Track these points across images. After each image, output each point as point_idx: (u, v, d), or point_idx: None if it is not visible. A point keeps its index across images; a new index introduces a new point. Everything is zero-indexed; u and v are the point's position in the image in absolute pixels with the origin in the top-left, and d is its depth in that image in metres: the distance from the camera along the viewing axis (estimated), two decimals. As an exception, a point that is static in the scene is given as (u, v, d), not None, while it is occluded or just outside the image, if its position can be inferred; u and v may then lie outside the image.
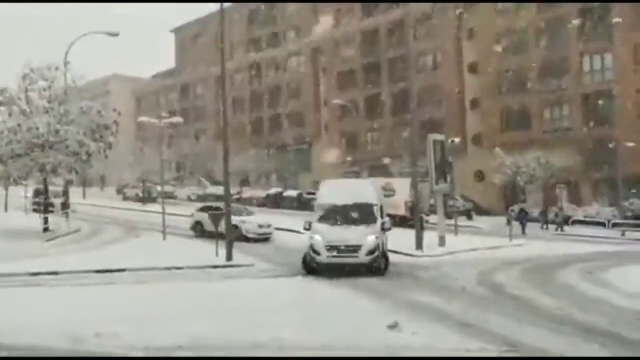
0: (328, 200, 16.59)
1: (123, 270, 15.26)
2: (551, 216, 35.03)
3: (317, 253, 15.13)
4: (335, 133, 57.05)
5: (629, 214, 33.85)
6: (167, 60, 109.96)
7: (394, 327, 9.00)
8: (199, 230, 24.42)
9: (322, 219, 16.06)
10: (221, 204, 23.93)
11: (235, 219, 20.86)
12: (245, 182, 57.93)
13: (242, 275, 15.44)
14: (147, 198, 44.60)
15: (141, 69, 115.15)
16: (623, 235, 31.19)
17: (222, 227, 18.38)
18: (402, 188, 30.78)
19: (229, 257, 17.43)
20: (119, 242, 22.22)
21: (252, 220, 24.05)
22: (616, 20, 37.07)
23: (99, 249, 19.91)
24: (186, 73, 73.22)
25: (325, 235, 15.24)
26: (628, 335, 8.76)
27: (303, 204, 42.95)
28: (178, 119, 28.75)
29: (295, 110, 60.71)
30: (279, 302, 11.26)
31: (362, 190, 17.22)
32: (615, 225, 33.44)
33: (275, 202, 45.86)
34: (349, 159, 51.74)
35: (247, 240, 22.60)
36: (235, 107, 62.66)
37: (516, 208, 35.22)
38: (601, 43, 40.20)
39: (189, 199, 49.49)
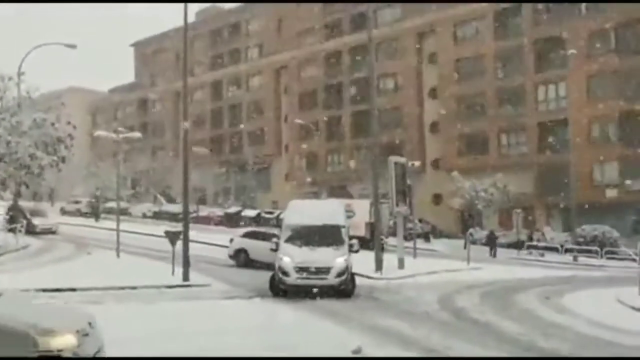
0: (296, 220, 16.32)
1: (73, 290, 14.55)
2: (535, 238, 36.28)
3: (286, 274, 14.87)
4: (295, 153, 56.93)
5: (581, 239, 34.69)
6: (125, 74, 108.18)
7: (357, 352, 8.77)
8: (242, 259, 21.83)
9: (290, 240, 15.80)
10: (266, 230, 23.53)
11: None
12: (202, 200, 57.03)
13: (199, 296, 14.93)
14: (91, 214, 43.15)
15: (98, 82, 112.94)
16: (575, 260, 31.90)
17: (266, 257, 17.88)
18: (362, 209, 30.73)
19: (186, 276, 16.87)
20: (70, 260, 21.30)
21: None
22: (571, 51, 38.36)
23: (48, 266, 19.01)
24: (145, 88, 72.13)
25: (294, 256, 15.02)
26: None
27: (261, 223, 42.43)
28: (136, 134, 28.02)
29: (255, 129, 60.43)
30: (236, 325, 10.87)
31: (330, 210, 17.08)
32: (567, 250, 34.18)
33: (233, 221, 45.18)
34: (309, 179, 51.63)
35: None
36: (195, 124, 61.92)
37: (473, 231, 35.64)
38: (556, 72, 41.52)
39: (144, 216, 48.36)
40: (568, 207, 38.12)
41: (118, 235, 22.38)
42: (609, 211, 37.29)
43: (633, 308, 14.14)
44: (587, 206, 37.23)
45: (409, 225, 31.25)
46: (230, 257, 22.12)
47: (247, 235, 22.92)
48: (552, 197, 40.73)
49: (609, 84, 39.46)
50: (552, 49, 42.28)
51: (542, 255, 33.45)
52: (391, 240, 28.23)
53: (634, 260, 24.69)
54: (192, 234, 20.17)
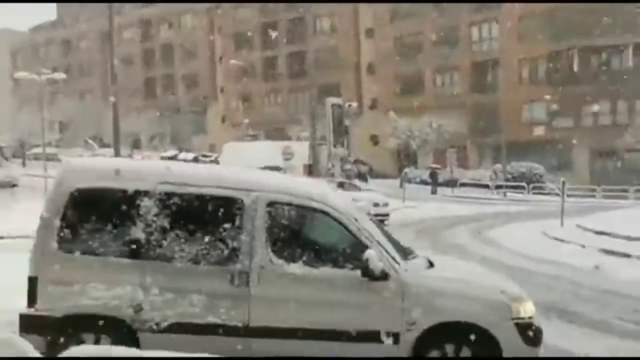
0: (233, 162, 16.21)
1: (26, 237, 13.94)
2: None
3: None
4: (231, 95, 55.81)
5: (509, 176, 36.17)
6: (46, 12, 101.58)
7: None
8: None
9: None
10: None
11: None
12: (136, 144, 55.45)
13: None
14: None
15: (17, 21, 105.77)
16: (505, 196, 33.34)
17: None
18: (301, 151, 30.77)
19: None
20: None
21: (364, 198, 18.16)
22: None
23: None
24: (68, 26, 68.12)
25: None
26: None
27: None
28: (60, 75, 26.62)
29: (189, 71, 58.58)
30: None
31: (266, 152, 17.08)
32: (497, 187, 35.58)
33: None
34: (246, 121, 50.97)
35: None
36: (125, 65, 59.25)
37: (408, 171, 36.46)
38: (489, 13, 41.95)
39: (75, 162, 46.63)
40: (499, 145, 39.43)
41: (46, 181, 21.50)
42: (537, 148, 38.87)
43: (555, 239, 14.95)
44: (516, 144, 38.64)
45: (347, 166, 31.57)
46: None
47: None
48: (484, 135, 41.96)
49: (539, 24, 40.30)
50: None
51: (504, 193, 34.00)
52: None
53: (558, 194, 25.99)
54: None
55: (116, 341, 4.56)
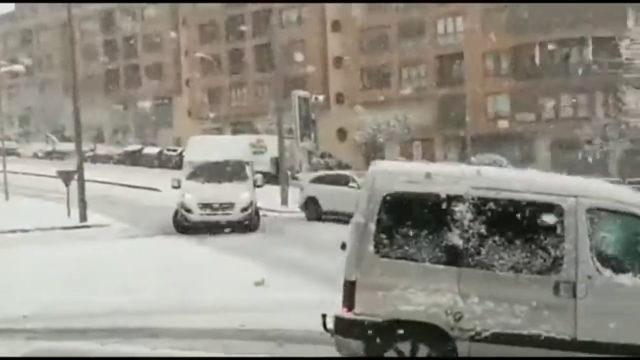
0: (198, 156, 16.05)
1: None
2: None
3: (189, 211, 14.74)
4: (197, 88, 55.13)
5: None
6: (4, 4, 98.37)
7: (260, 284, 8.86)
8: (311, 209, 17.82)
9: (192, 176, 15.59)
10: (346, 173, 19.40)
11: None
12: (99, 138, 54.42)
13: (98, 236, 14.40)
14: None
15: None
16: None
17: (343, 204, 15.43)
18: (274, 145, 30.61)
19: (83, 217, 16.18)
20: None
21: None
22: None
23: None
24: (27, 18, 66.23)
25: (197, 192, 14.81)
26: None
27: (164, 161, 41.29)
28: (18, 67, 25.90)
29: (153, 63, 57.60)
30: (138, 264, 10.60)
31: (233, 146, 17.02)
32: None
33: (134, 159, 43.64)
34: (212, 114, 50.41)
35: None
36: (86, 57, 57.95)
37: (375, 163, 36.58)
38: (454, 6, 42.31)
39: (36, 156, 45.57)
40: (464, 138, 39.93)
41: (5, 176, 20.92)
42: (501, 141, 39.47)
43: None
44: (481, 137, 39.19)
45: (314, 159, 31.54)
46: (301, 208, 18.27)
47: (317, 179, 19.14)
48: (449, 128, 42.42)
49: (502, 18, 40.86)
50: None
51: None
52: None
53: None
54: (91, 173, 19.24)
55: (433, 348, 4.52)
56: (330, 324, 5.04)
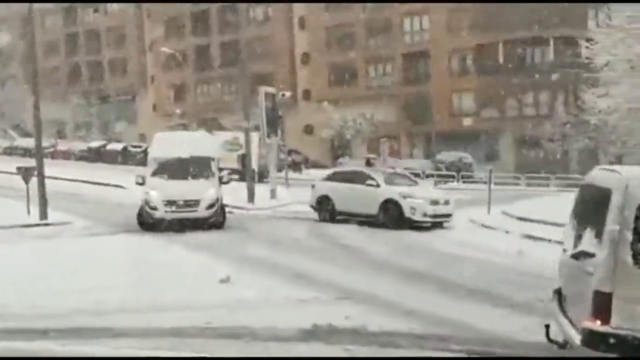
0: (163, 153, 15.80)
1: None
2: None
3: (154, 208, 14.51)
4: (162, 83, 54.36)
5: (440, 165, 37.22)
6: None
7: (225, 281, 8.78)
8: (325, 211, 16.55)
9: (157, 173, 15.38)
10: (363, 170, 18.00)
11: (391, 191, 15.31)
12: (61, 134, 53.18)
13: (60, 234, 14.07)
14: None
15: None
16: (435, 185, 34.20)
17: (359, 206, 15.28)
18: (253, 143, 30.41)
19: (43, 214, 15.78)
20: None
21: (419, 194, 15.61)
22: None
23: None
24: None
25: (161, 189, 14.59)
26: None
27: (128, 157, 40.61)
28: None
29: (117, 57, 56.52)
30: (102, 262, 10.39)
31: (198, 142, 16.83)
32: (428, 175, 36.46)
33: (97, 156, 42.83)
34: (178, 110, 49.78)
35: (411, 226, 14.97)
36: (47, 51, 56.52)
37: (343, 160, 36.75)
38: (419, 5, 42.67)
39: (-6, 153, 44.37)
40: (430, 135, 40.39)
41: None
42: (466, 138, 40.05)
43: (482, 225, 15.46)
44: (446, 134, 39.70)
45: (282, 155, 31.42)
46: (313, 208, 17.02)
47: (332, 177, 17.77)
48: (415, 126, 42.83)
49: (467, 17, 41.40)
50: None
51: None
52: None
53: (486, 182, 26.86)
54: (52, 170, 18.78)
55: None
56: (554, 335, 4.88)
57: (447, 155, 37.49)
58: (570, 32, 33.17)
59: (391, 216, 15.06)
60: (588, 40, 20.63)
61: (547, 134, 37.19)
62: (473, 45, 41.13)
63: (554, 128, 36.92)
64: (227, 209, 16.30)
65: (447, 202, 15.74)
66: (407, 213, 14.92)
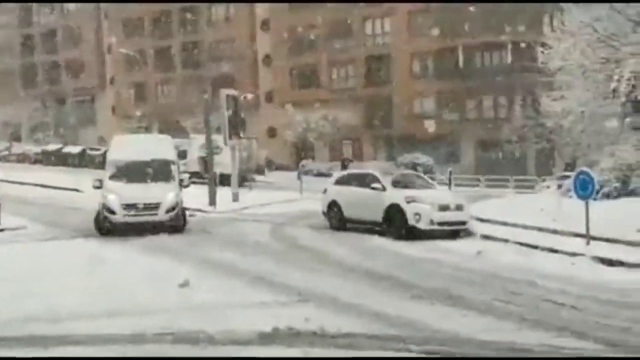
0: (121, 156, 15.53)
1: None
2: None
3: (112, 212, 14.21)
4: (121, 85, 53.44)
5: (402, 167, 37.55)
6: None
7: (184, 285, 8.67)
8: (334, 216, 15.34)
9: (116, 176, 15.09)
10: (370, 171, 15.90)
11: (396, 195, 13.68)
12: (16, 136, 51.77)
13: (12, 239, 13.66)
14: None
15: None
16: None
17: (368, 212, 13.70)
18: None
19: (-5, 220, 15.31)
20: None
21: (427, 198, 13.71)
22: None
23: None
24: None
25: (120, 193, 14.33)
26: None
27: (86, 160, 39.79)
28: None
29: (75, 58, 55.33)
30: (58, 267, 10.13)
31: (158, 145, 16.55)
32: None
33: (54, 159, 41.85)
34: (138, 112, 49.00)
35: (413, 234, 13.32)
36: (2, 52, 54.99)
37: (306, 163, 36.76)
38: (381, 8, 43.08)
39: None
40: (392, 138, 40.78)
41: None
42: (427, 141, 40.57)
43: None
44: (408, 136, 40.15)
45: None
46: (324, 214, 15.79)
47: (341, 180, 16.16)
48: (378, 128, 43.18)
49: (427, 21, 41.98)
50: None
51: None
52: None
53: (446, 184, 27.24)
54: (6, 174, 18.24)
55: None
56: None
57: (408, 158, 37.95)
58: (526, 37, 33.97)
59: (394, 224, 13.45)
60: (543, 45, 21.15)
61: (506, 136, 37.98)
62: (434, 49, 41.73)
63: (513, 131, 37.73)
64: (188, 212, 16.15)
65: (459, 208, 13.78)
66: (411, 220, 13.18)
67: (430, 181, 16.61)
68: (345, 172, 18.31)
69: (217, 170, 24.05)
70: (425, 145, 39.99)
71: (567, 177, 22.53)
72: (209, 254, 11.81)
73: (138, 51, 47.94)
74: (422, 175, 17.70)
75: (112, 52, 53.25)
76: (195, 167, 29.75)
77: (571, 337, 6.24)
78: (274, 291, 8.34)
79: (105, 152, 36.74)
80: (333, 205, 15.33)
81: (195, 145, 23.23)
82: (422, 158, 38.08)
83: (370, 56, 44.33)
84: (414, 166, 37.42)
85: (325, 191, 16.10)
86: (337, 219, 15.19)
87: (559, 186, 19.98)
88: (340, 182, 16.00)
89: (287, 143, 44.47)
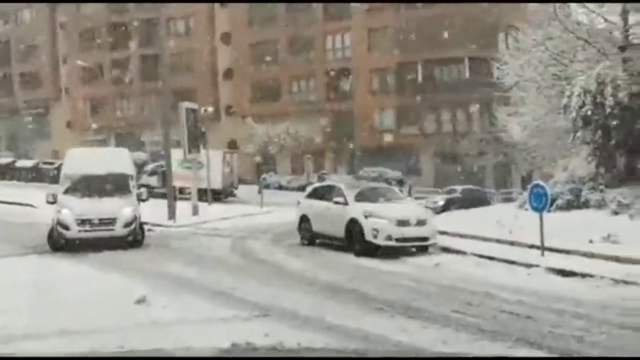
0: (76, 170, 15.19)
1: None
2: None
3: (66, 227, 13.82)
4: (77, 97, 52.35)
5: (363, 180, 37.79)
6: None
7: (141, 301, 8.48)
8: (304, 231, 14.88)
9: (70, 191, 14.74)
10: (335, 184, 15.64)
11: (356, 210, 13.17)
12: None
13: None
14: None
15: None
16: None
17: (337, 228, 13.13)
18: (214, 160, 30.20)
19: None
20: None
21: (385, 213, 13.09)
22: (354, 4, 40.47)
23: None
24: None
25: (74, 207, 13.96)
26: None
27: (40, 174, 38.74)
28: None
29: (28, 70, 54.01)
30: (9, 285, 9.76)
31: (115, 159, 16.22)
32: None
33: (6, 173, 40.60)
34: (95, 125, 48.04)
35: (371, 252, 12.82)
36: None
37: (267, 176, 36.64)
38: (341, 23, 43.56)
39: None
40: (353, 151, 41.07)
41: None
42: (387, 154, 41.01)
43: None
44: (369, 150, 40.51)
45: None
46: (298, 230, 15.17)
47: (312, 194, 15.64)
48: (339, 142, 43.44)
49: (387, 36, 42.63)
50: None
51: None
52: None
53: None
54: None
55: None
56: None
57: (368, 171, 38.25)
58: (483, 53, 34.83)
59: (354, 239, 12.99)
60: (498, 61, 21.75)
61: (464, 149, 38.71)
62: (394, 64, 42.35)
63: (471, 144, 38.49)
64: (147, 227, 15.86)
65: (422, 223, 13.10)
66: (369, 236, 12.65)
67: (400, 194, 16.06)
68: (316, 185, 17.80)
69: (201, 185, 24.10)
70: (385, 158, 40.41)
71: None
72: (167, 269, 11.60)
73: (95, 63, 47.11)
74: (392, 188, 17.13)
75: (67, 63, 52.20)
76: (217, 185, 30.53)
77: (526, 347, 6.35)
78: (233, 306, 8.24)
79: (59, 166, 35.99)
80: (303, 219, 14.91)
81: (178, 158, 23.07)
82: (382, 171, 38.39)
83: (331, 70, 44.67)
84: (374, 180, 37.76)
85: (298, 204, 15.74)
86: (307, 233, 14.75)
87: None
88: (310, 195, 15.57)
89: (248, 156, 44.27)
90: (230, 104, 48.17)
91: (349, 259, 12.94)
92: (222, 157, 33.24)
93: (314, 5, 44.19)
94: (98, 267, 11.70)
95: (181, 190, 24.81)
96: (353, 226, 13.08)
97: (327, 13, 44.46)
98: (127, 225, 14.20)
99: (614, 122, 14.84)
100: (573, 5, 17.86)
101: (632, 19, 16.55)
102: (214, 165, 30.21)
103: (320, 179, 35.59)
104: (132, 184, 15.40)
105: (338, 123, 43.42)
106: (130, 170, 15.87)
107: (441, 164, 42.00)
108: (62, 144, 46.47)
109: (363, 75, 42.90)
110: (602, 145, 15.36)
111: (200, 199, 23.11)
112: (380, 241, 12.75)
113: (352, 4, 40.97)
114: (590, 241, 12.24)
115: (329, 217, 13.89)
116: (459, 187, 31.42)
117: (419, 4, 40.38)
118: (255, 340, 6.32)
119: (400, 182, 34.74)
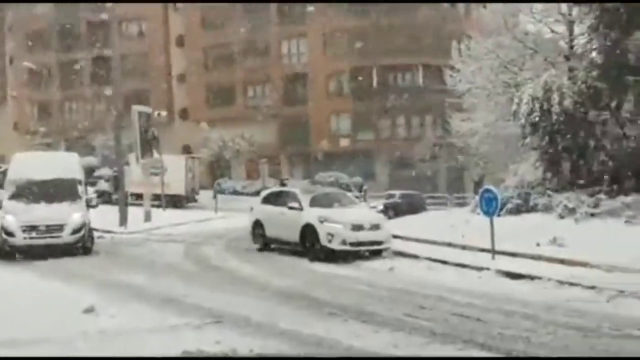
0: (22, 175, 14.76)
1: None
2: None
3: (11, 234, 13.42)
4: (24, 100, 50.75)
5: (319, 185, 37.87)
6: None
7: (90, 311, 8.23)
8: (257, 236, 14.83)
9: (16, 196, 14.32)
10: (289, 189, 15.87)
11: (311, 215, 13.22)
12: None
13: None
14: None
15: None
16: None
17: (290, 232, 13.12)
18: (175, 165, 29.71)
19: None
20: None
21: (340, 218, 13.20)
22: (309, 8, 40.62)
23: None
24: None
25: (20, 214, 13.53)
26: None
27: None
28: None
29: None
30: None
31: (63, 164, 15.81)
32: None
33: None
34: (42, 129, 46.67)
35: (326, 256, 12.90)
36: None
37: (222, 181, 36.25)
38: (297, 28, 43.63)
39: None
40: (308, 156, 41.12)
41: None
42: (343, 159, 41.24)
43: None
44: (324, 155, 40.65)
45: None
46: (251, 235, 15.11)
47: (266, 198, 15.42)
48: (295, 147, 43.42)
49: (342, 42, 42.93)
50: (294, 5, 44.18)
51: None
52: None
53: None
54: None
55: None
56: None
57: (324, 176, 38.36)
58: (436, 60, 35.47)
59: (309, 243, 13.10)
60: (451, 68, 22.20)
61: (418, 155, 39.28)
62: (349, 69, 42.68)
63: (425, 149, 39.10)
64: (97, 234, 15.48)
65: (376, 227, 13.30)
66: (324, 240, 12.76)
67: (354, 199, 16.16)
68: (270, 190, 17.63)
69: (156, 190, 23.75)
70: (341, 163, 40.61)
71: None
72: (116, 277, 11.32)
73: (43, 65, 45.77)
74: (346, 193, 17.28)
75: (13, 65, 50.55)
76: (180, 190, 30.97)
77: (476, 349, 6.45)
78: (185, 314, 8.09)
79: (4, 171, 34.72)
80: (257, 225, 14.81)
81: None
82: (338, 176, 38.55)
83: (287, 75, 44.67)
84: (344, 185, 37.85)
85: (251, 209, 15.62)
86: (261, 238, 14.69)
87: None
88: (265, 200, 15.40)
89: (203, 161, 43.77)
90: (184, 107, 47.57)
91: (304, 263, 12.92)
92: (185, 163, 32.84)
93: (270, 8, 44.11)
94: (44, 276, 11.32)
95: (140, 196, 24.24)
96: (308, 231, 13.13)
97: (282, 17, 44.46)
98: (75, 231, 13.84)
99: (560, 129, 15.32)
100: (522, 15, 18.42)
101: (577, 29, 17.17)
102: (176, 171, 29.80)
103: (282, 184, 35.48)
104: (81, 189, 15.04)
105: (294, 128, 43.43)
106: (79, 175, 15.50)
107: (395, 168, 42.50)
108: (7, 148, 44.85)
109: (319, 79, 43.07)
110: (548, 151, 15.82)
111: (174, 205, 22.74)
112: (335, 245, 12.85)
113: (308, 9, 41.10)
114: (538, 244, 12.58)
115: (284, 222, 13.87)
116: (397, 192, 29.98)
117: (372, 11, 40.83)
118: (207, 347, 6.25)
119: (360, 188, 35.00)
